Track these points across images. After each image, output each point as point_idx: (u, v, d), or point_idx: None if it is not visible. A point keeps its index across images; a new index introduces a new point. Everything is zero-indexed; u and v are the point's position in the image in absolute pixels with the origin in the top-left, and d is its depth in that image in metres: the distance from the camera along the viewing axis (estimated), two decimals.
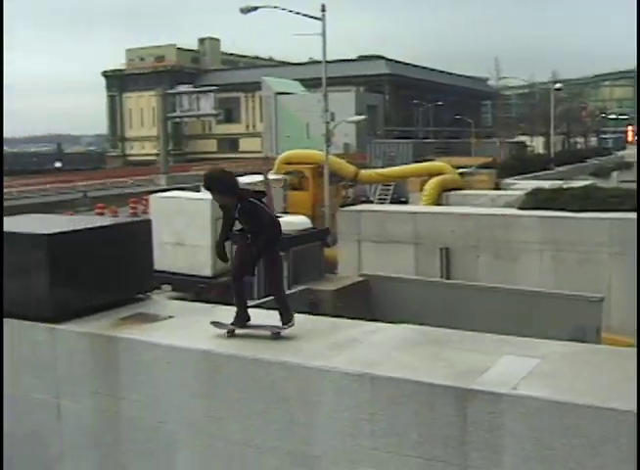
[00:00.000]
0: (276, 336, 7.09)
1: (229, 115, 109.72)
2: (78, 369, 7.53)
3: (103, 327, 7.53)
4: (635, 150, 52.59)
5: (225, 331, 7.22)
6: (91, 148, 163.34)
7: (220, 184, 7.03)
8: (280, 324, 7.13)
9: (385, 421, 5.93)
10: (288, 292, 14.13)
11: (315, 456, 6.29)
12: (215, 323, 7.34)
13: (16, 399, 8.07)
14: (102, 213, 38.28)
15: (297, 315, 8.11)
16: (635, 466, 5.07)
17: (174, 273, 18.15)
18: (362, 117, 53.07)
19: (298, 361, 6.36)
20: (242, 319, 7.25)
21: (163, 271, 16.61)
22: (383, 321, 8.09)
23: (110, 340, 7.32)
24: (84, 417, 7.60)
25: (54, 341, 7.66)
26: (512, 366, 6.04)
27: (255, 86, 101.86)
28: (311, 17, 30.12)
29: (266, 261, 7.22)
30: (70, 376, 7.61)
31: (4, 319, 8.02)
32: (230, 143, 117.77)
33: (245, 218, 7.01)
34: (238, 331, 7.22)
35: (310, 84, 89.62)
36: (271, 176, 25.96)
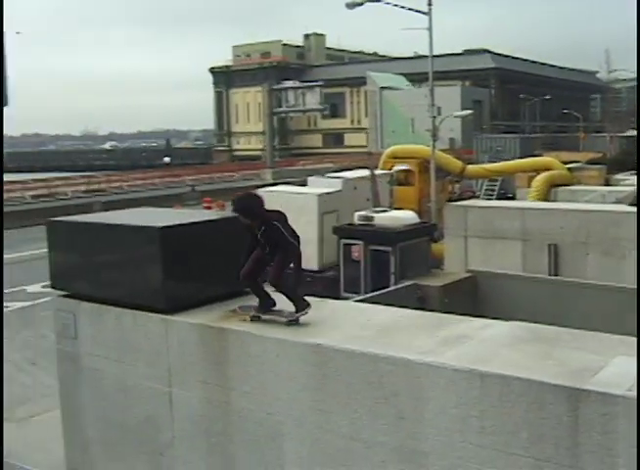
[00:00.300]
0: (292, 323, 7.49)
1: (334, 109, 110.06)
2: (189, 359, 7.70)
3: (213, 319, 7.67)
4: None
5: (249, 315, 7.67)
6: (198, 143, 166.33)
7: (248, 208, 7.62)
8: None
9: (494, 419, 5.86)
10: (394, 287, 14.22)
11: (422, 452, 6.27)
12: (242, 307, 7.82)
13: (130, 387, 8.33)
14: (209, 207, 38.94)
15: (404, 310, 8.13)
16: None
17: None
18: (469, 111, 52.55)
19: (407, 357, 6.34)
20: (267, 305, 7.73)
21: None
22: (490, 318, 8.01)
23: (220, 332, 7.46)
24: (195, 406, 7.77)
25: (166, 331, 7.86)
26: (626, 367, 5.88)
27: (360, 81, 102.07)
28: (417, 11, 29.93)
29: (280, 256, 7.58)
30: (182, 366, 7.80)
31: (118, 309, 8.28)
32: (335, 138, 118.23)
33: (269, 240, 7.51)
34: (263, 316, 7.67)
35: (415, 79, 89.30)
36: (377, 171, 25.93)
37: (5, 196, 46.05)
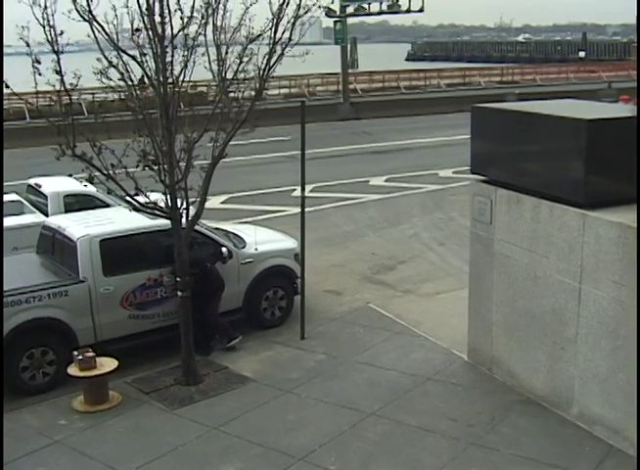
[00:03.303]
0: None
1: None
2: (605, 258, 7.51)
3: (634, 219, 7.36)
4: None
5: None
6: (616, 38, 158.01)
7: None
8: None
9: None
10: None
11: None
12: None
13: (539, 277, 8.36)
14: None
15: None
16: None
17: None
18: None
19: None
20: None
21: None
22: None
23: None
24: (604, 306, 7.62)
25: (583, 227, 7.72)
26: None
27: None
28: None
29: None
30: (595, 263, 7.63)
31: (535, 199, 8.25)
32: None
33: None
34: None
35: None
36: None
37: (421, 83, 47.45)
